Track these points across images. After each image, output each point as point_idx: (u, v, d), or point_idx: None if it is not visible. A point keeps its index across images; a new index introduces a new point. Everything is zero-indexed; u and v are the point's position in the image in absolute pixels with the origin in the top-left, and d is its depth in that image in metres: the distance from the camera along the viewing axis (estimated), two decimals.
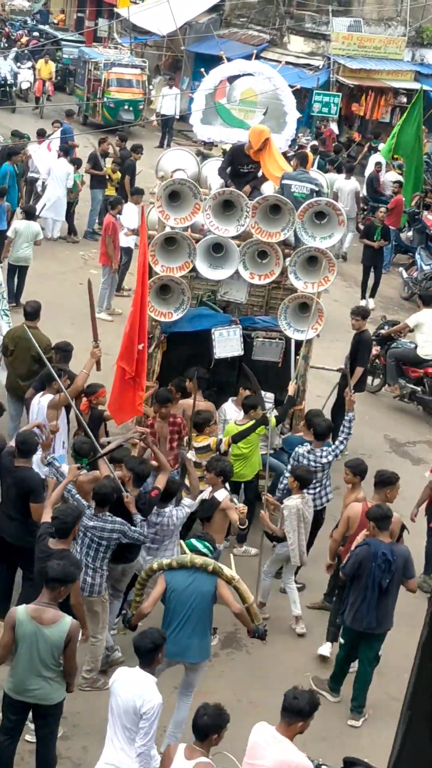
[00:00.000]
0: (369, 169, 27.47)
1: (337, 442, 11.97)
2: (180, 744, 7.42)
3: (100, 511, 9.82)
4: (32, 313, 13.34)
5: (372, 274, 22.43)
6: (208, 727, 7.25)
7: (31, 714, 8.46)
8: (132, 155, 24.21)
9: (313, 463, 11.60)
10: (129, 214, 19.10)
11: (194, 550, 9.22)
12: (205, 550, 9.25)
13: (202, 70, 15.08)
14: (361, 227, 24.82)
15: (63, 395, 11.32)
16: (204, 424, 11.83)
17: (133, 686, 7.84)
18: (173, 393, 12.22)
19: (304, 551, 11.18)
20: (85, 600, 9.71)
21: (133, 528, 9.93)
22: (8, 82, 35.80)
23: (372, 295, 22.41)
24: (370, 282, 22.46)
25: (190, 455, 11.12)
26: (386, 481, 10.66)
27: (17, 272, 18.49)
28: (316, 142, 30.02)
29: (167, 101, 33.92)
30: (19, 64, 38.37)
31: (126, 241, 19.26)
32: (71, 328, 13.59)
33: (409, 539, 10.96)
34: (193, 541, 9.34)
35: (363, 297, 22.27)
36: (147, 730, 7.74)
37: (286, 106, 14.49)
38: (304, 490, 11.15)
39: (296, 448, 11.74)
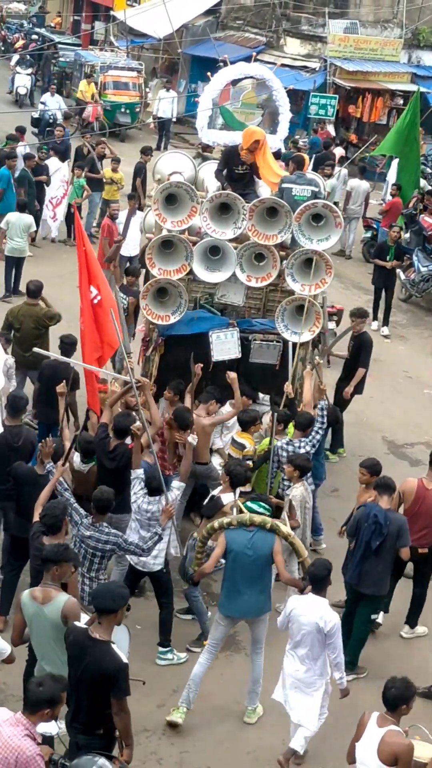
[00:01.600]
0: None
1: (312, 433, 11.99)
2: (374, 712, 7.95)
3: (98, 519, 9.76)
4: (34, 291, 14.69)
5: (383, 296, 21.17)
6: (397, 698, 7.91)
7: None
8: (142, 157, 24.25)
9: (292, 455, 11.72)
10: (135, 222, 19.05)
11: (252, 512, 9.79)
12: (261, 510, 9.87)
13: (209, 73, 15.00)
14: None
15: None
16: (250, 422, 12.16)
17: (314, 611, 9.11)
18: (171, 396, 12.25)
19: (307, 538, 11.38)
20: (84, 609, 9.70)
21: (128, 540, 9.93)
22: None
23: (385, 322, 21.19)
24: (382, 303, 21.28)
25: (191, 439, 11.09)
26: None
27: (15, 265, 19.33)
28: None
29: (164, 104, 33.90)
30: (18, 68, 38.35)
31: (125, 248, 19.26)
32: (68, 330, 13.60)
33: None
34: (250, 503, 9.96)
35: (375, 318, 21.04)
36: (335, 643, 9.13)
37: (281, 107, 14.49)
38: (303, 479, 11.31)
39: (275, 442, 11.87)
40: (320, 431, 12.07)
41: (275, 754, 9.55)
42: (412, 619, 11.93)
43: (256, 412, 12.33)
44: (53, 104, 30.97)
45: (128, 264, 19.38)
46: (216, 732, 9.78)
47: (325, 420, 12.19)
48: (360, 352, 15.10)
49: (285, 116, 14.59)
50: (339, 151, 29.23)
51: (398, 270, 23.28)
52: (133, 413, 11.57)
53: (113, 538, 9.71)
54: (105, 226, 18.97)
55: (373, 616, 11.14)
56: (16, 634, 8.55)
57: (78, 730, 7.78)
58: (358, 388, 15.21)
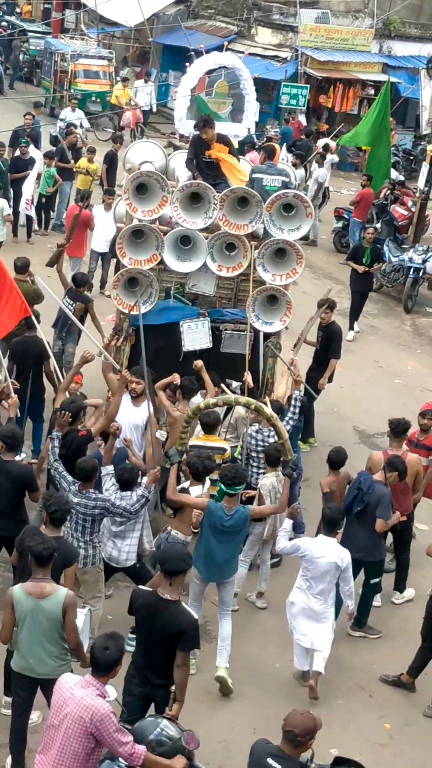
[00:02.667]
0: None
1: (286, 418, 11.99)
2: None
3: (85, 487, 10.05)
4: (21, 267, 14.45)
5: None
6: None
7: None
8: (113, 146, 24.18)
9: (261, 443, 11.88)
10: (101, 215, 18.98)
11: (224, 494, 10.18)
12: (234, 492, 10.13)
13: (187, 64, 14.97)
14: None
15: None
16: (213, 425, 11.77)
17: (331, 552, 10.14)
18: (133, 381, 12.16)
19: (278, 527, 11.32)
20: (80, 572, 9.97)
21: (116, 504, 10.17)
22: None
23: (351, 326, 20.23)
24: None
25: (160, 435, 11.10)
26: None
27: None
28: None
29: (141, 96, 33.75)
30: None
31: (98, 244, 19.20)
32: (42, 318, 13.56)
33: None
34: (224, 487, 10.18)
35: (351, 328, 20.18)
36: (348, 576, 10.31)
37: (248, 95, 14.51)
38: (277, 468, 11.33)
39: (246, 429, 12.02)
40: (291, 421, 12.06)
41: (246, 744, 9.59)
42: (399, 585, 12.42)
43: (218, 414, 12.14)
44: (74, 119, 28.64)
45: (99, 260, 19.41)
46: (186, 721, 9.77)
47: (298, 411, 12.20)
48: (330, 342, 15.07)
49: (251, 105, 14.59)
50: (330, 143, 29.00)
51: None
52: (79, 397, 11.72)
53: (101, 503, 10.04)
54: (72, 214, 19.05)
55: (373, 581, 11.63)
56: (8, 632, 8.39)
57: (155, 685, 8.40)
58: (329, 377, 15.24)
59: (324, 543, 10.25)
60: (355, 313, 20.41)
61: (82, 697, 7.07)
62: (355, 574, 10.79)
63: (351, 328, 20.09)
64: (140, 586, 8.68)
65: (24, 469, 10.34)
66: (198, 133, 13.44)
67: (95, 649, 7.25)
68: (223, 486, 10.12)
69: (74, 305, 14.62)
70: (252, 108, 14.58)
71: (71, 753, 7.03)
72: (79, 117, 29.89)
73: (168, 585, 8.23)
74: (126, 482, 10.50)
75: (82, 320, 14.68)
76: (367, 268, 19.92)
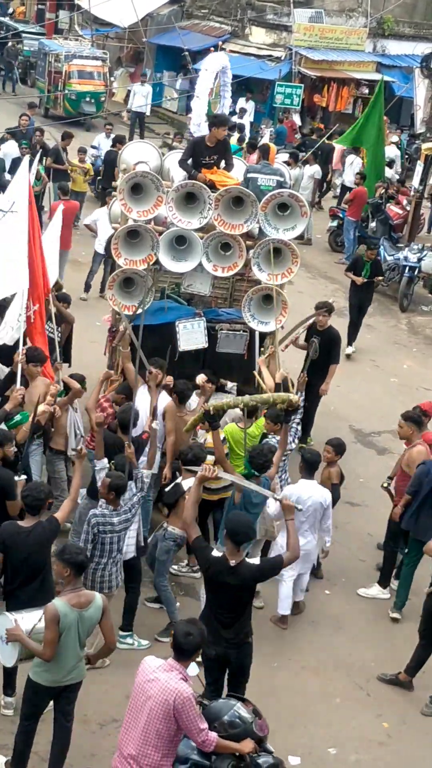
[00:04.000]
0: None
1: (293, 423, 12.06)
2: None
3: (115, 505, 10.05)
4: None
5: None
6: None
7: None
8: (116, 146, 24.16)
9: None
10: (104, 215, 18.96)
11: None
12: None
13: (190, 67, 15.02)
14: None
15: None
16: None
17: (316, 492, 11.25)
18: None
19: (270, 528, 11.57)
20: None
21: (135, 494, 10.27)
22: None
23: (350, 342, 19.41)
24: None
25: (155, 425, 11.05)
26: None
27: None
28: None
29: (138, 99, 33.71)
30: None
31: (101, 246, 19.19)
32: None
33: None
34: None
35: (350, 343, 19.38)
36: (330, 513, 11.39)
37: (225, 89, 14.59)
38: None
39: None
40: (298, 425, 12.28)
41: None
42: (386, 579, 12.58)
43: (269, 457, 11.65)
44: (107, 146, 25.50)
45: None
46: None
47: (293, 435, 12.28)
48: (331, 347, 14.92)
49: (226, 100, 14.70)
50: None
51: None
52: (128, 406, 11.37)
53: (134, 508, 10.19)
54: (56, 209, 19.22)
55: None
56: (53, 650, 8.14)
57: (229, 643, 8.95)
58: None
59: (308, 486, 11.27)
60: (354, 328, 19.56)
61: (166, 680, 7.30)
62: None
63: (350, 343, 19.33)
64: (214, 552, 8.91)
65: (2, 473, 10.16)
66: (201, 135, 13.46)
67: (178, 635, 7.41)
68: (254, 471, 10.61)
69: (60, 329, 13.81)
70: (226, 101, 14.66)
71: (155, 732, 7.29)
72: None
73: (236, 552, 8.72)
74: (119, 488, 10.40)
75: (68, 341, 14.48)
76: (364, 280, 19.38)
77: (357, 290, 19.57)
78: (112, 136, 25.35)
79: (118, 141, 24.27)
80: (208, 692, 8.72)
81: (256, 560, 9.06)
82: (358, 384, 18.20)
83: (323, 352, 14.62)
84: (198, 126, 14.29)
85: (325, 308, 15.00)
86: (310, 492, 11.19)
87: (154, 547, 10.96)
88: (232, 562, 8.70)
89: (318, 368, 14.57)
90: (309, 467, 11.39)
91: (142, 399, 11.69)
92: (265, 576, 9.07)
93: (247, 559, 8.87)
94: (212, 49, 15.41)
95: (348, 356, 18.85)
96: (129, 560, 10.67)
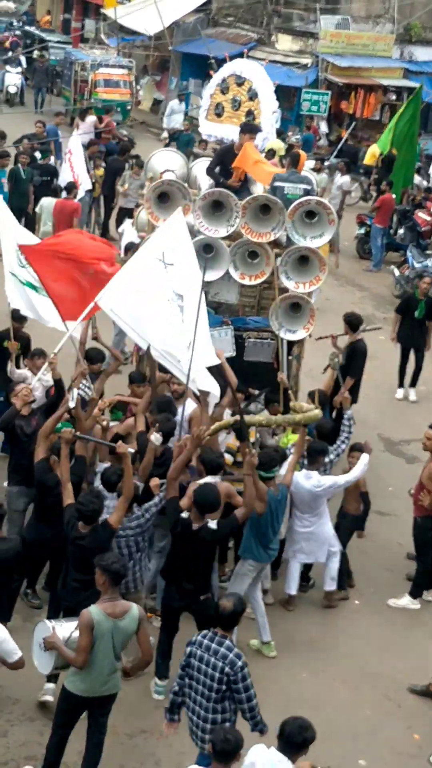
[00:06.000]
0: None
1: (338, 441, 12.07)
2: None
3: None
4: (20, 317, 13.43)
5: (412, 358, 17.99)
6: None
7: None
8: (123, 155, 24.21)
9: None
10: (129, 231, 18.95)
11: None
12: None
13: (211, 72, 14.94)
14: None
15: None
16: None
17: (307, 480, 11.40)
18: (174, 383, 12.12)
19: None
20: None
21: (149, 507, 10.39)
22: None
23: (413, 384, 18.18)
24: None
25: (155, 438, 10.94)
26: None
27: None
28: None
29: (177, 117, 33.74)
30: (8, 67, 38.28)
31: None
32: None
33: None
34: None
35: (401, 385, 18.24)
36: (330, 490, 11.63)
37: (263, 103, 14.41)
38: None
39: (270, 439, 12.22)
40: (347, 440, 12.15)
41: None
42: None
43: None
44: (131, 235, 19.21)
45: None
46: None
47: (352, 429, 12.22)
48: (352, 360, 14.70)
49: (266, 115, 14.49)
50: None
51: (392, 266, 23.27)
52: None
53: (147, 512, 10.29)
54: (65, 205, 19.65)
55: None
56: (86, 657, 8.16)
57: (194, 597, 9.83)
58: (353, 396, 14.86)
59: (304, 474, 11.44)
60: (403, 371, 18.13)
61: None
62: None
63: (400, 385, 18.22)
64: (182, 515, 9.66)
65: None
66: (231, 144, 13.44)
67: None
68: (261, 472, 10.53)
69: (91, 388, 12.56)
70: (267, 118, 14.42)
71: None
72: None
73: (200, 519, 9.60)
74: (113, 485, 10.36)
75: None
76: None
77: (409, 330, 17.71)
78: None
79: (124, 150, 24.27)
80: (165, 636, 9.97)
81: (213, 524, 9.69)
82: (386, 392, 18.09)
83: (347, 362, 14.55)
84: (201, 125, 14.35)
85: (357, 324, 14.82)
86: (303, 481, 11.41)
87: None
88: (195, 526, 9.60)
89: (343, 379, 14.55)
90: (310, 456, 11.59)
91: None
92: (224, 534, 10.10)
93: (207, 522, 9.66)
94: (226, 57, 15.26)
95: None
96: None
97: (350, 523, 12.30)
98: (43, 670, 8.68)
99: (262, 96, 14.32)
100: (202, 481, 10.55)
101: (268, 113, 14.44)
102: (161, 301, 11.11)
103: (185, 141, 27.55)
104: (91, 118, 28.42)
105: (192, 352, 10.75)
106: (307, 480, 11.41)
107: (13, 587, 10.47)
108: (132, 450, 10.15)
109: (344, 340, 14.80)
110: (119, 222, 21.79)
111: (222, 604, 8.30)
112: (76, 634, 8.23)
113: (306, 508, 11.53)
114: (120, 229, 19.78)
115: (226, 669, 8.04)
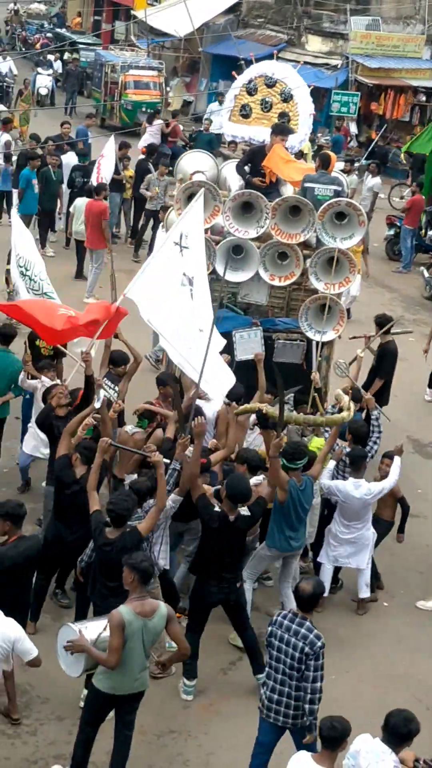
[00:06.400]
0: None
1: (370, 443, 12.01)
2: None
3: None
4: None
5: None
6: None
7: None
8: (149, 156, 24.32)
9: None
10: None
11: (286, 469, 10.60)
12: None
13: (234, 73, 14.94)
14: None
15: None
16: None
17: (360, 488, 11.37)
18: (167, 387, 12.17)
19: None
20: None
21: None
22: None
23: None
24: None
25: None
26: None
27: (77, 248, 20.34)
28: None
29: (217, 119, 33.78)
30: (39, 69, 38.42)
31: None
32: None
33: None
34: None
35: (430, 386, 18.00)
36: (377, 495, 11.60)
37: (299, 105, 14.37)
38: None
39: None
40: (378, 441, 12.14)
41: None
42: None
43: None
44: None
45: None
46: (241, 734, 9.73)
47: (381, 429, 12.25)
48: (382, 361, 14.77)
49: (304, 117, 14.47)
50: None
51: (422, 268, 23.21)
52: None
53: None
54: (94, 206, 19.83)
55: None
56: (118, 657, 8.13)
57: (232, 585, 10.12)
58: (383, 398, 14.88)
59: (355, 483, 11.38)
60: None
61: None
62: None
63: (430, 386, 18.04)
64: (215, 509, 9.92)
65: None
66: (262, 145, 13.44)
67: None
68: (285, 461, 10.49)
69: (116, 388, 12.52)
70: (305, 119, 14.38)
71: None
72: None
73: (233, 510, 9.89)
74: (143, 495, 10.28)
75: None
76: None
77: None
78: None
79: (152, 150, 24.26)
80: (193, 636, 9.97)
81: (245, 510, 9.98)
82: (416, 394, 18.03)
83: (377, 363, 14.55)
84: (224, 125, 14.35)
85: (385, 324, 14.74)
86: (356, 490, 11.37)
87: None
88: (231, 518, 9.88)
89: (372, 380, 14.54)
90: (353, 463, 11.56)
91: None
92: (258, 517, 10.29)
93: (240, 511, 9.95)
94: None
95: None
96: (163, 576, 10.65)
97: (384, 528, 12.26)
98: (72, 674, 8.62)
99: (299, 98, 14.30)
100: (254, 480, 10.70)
101: (306, 115, 14.43)
102: (175, 286, 11.08)
103: (205, 141, 27.56)
104: (158, 122, 28.59)
105: (208, 341, 10.74)
106: (357, 489, 11.37)
107: (39, 586, 10.56)
108: (167, 461, 10.12)
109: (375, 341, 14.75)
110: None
111: (301, 586, 8.67)
112: (105, 634, 8.24)
113: (354, 516, 11.53)
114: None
115: (306, 649, 8.38)
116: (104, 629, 8.27)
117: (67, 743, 8.91)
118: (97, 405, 10.62)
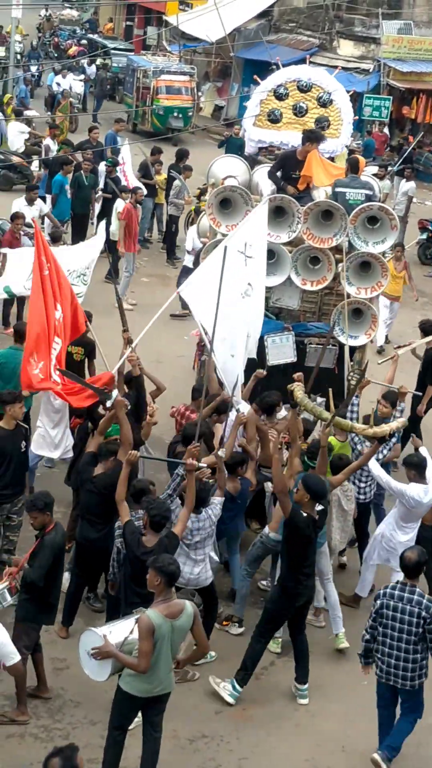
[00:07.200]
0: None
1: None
2: None
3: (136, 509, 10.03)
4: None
5: None
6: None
7: None
8: (151, 157, 24.20)
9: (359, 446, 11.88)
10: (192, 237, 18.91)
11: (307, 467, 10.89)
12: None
13: (256, 77, 14.91)
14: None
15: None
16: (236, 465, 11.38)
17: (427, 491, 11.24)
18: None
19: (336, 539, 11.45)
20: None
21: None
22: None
23: None
24: None
25: (221, 453, 10.91)
26: None
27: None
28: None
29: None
30: (71, 75, 38.55)
31: (189, 260, 19.08)
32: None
33: None
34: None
35: None
36: None
37: (342, 109, 14.31)
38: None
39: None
40: (381, 454, 12.01)
41: (333, 762, 9.52)
42: None
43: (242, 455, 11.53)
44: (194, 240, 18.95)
45: None
46: (272, 739, 9.72)
47: (392, 443, 12.19)
48: (430, 367, 14.70)
49: (347, 123, 14.42)
50: None
51: None
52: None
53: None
54: (126, 210, 19.66)
55: None
56: (148, 661, 8.11)
57: (311, 592, 10.30)
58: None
59: (421, 486, 11.24)
60: None
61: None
62: None
63: None
64: (302, 514, 9.75)
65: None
66: (293, 149, 13.42)
67: None
68: (307, 460, 10.80)
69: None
70: (347, 123, 14.32)
71: None
72: None
73: (312, 506, 9.81)
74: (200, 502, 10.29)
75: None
76: None
77: None
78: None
79: (182, 155, 24.26)
80: (262, 647, 10.15)
81: (319, 506, 9.93)
82: None
83: (424, 371, 14.59)
84: (248, 129, 14.33)
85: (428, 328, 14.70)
86: (422, 493, 11.26)
87: (253, 546, 11.18)
88: (315, 516, 9.83)
89: (421, 387, 14.46)
90: (417, 470, 11.41)
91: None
92: (326, 507, 10.25)
93: (317, 508, 9.89)
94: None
95: None
96: (207, 587, 10.61)
97: (430, 533, 12.13)
98: (98, 678, 8.49)
99: (341, 102, 14.25)
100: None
101: (348, 120, 14.39)
102: (236, 296, 11.16)
103: (237, 145, 27.53)
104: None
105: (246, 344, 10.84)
106: (427, 495, 11.27)
107: (75, 589, 10.61)
108: (203, 465, 10.09)
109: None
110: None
111: (407, 555, 9.35)
112: (132, 636, 8.21)
113: (413, 519, 11.50)
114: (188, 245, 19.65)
115: (423, 613, 9.10)
116: (131, 632, 8.23)
117: (100, 747, 8.90)
118: (108, 404, 10.61)
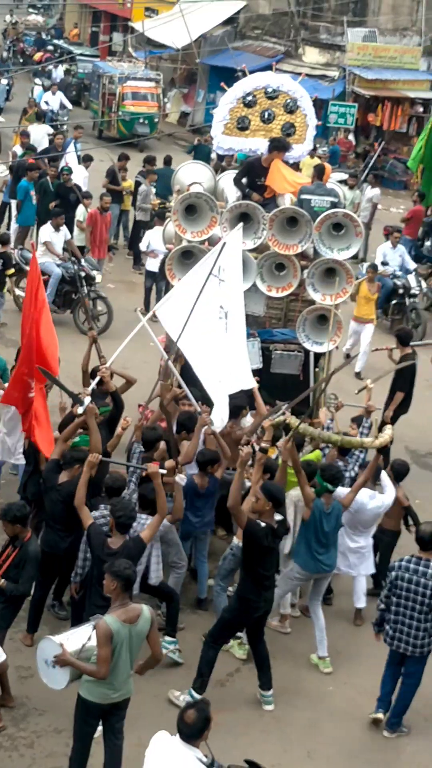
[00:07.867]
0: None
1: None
2: None
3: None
4: None
5: None
6: None
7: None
8: (118, 163, 24.20)
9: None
10: (156, 237, 18.91)
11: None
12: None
13: (223, 84, 14.92)
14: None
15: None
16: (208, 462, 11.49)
17: (376, 500, 11.60)
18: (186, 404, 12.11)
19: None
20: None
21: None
22: None
23: None
24: None
25: (179, 479, 10.79)
26: None
27: None
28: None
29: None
30: (36, 80, 38.43)
31: (152, 264, 19.29)
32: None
33: None
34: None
35: None
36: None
37: (308, 116, 14.32)
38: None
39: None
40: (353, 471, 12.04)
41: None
42: None
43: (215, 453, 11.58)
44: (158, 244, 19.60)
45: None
46: (239, 745, 9.70)
47: (357, 466, 12.13)
48: (400, 374, 14.90)
49: (311, 128, 14.44)
50: None
51: (420, 279, 23.16)
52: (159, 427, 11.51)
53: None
54: (90, 216, 19.88)
55: None
56: (108, 668, 8.11)
57: (269, 605, 10.24)
58: (403, 408, 15.14)
59: (372, 494, 11.61)
60: None
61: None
62: None
63: None
64: (261, 524, 9.79)
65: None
66: (259, 157, 13.42)
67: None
68: (327, 485, 10.82)
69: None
70: (311, 129, 14.34)
71: None
72: None
73: (272, 516, 9.92)
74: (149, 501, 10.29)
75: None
76: None
77: None
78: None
79: (150, 162, 24.20)
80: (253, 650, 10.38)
81: (278, 516, 10.02)
82: (413, 404, 17.97)
83: (395, 378, 14.88)
84: (215, 137, 14.34)
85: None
86: (372, 502, 11.58)
87: (224, 559, 11.17)
88: (274, 525, 9.89)
89: (392, 395, 14.83)
90: (398, 476, 12.11)
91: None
92: (284, 516, 10.25)
93: (276, 517, 9.99)
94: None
95: None
96: (158, 586, 10.60)
97: (390, 538, 12.26)
98: (55, 686, 8.46)
99: (307, 109, 14.26)
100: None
101: (313, 126, 14.41)
102: (212, 318, 11.36)
103: (205, 152, 27.55)
104: None
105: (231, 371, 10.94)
106: (372, 500, 11.59)
107: (38, 597, 10.57)
108: (163, 471, 10.06)
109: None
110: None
111: (422, 529, 9.98)
112: (90, 643, 8.17)
113: (361, 525, 11.75)
114: (145, 243, 19.83)
115: None
116: (88, 639, 8.19)
117: (65, 755, 8.88)
118: (79, 410, 10.57)
